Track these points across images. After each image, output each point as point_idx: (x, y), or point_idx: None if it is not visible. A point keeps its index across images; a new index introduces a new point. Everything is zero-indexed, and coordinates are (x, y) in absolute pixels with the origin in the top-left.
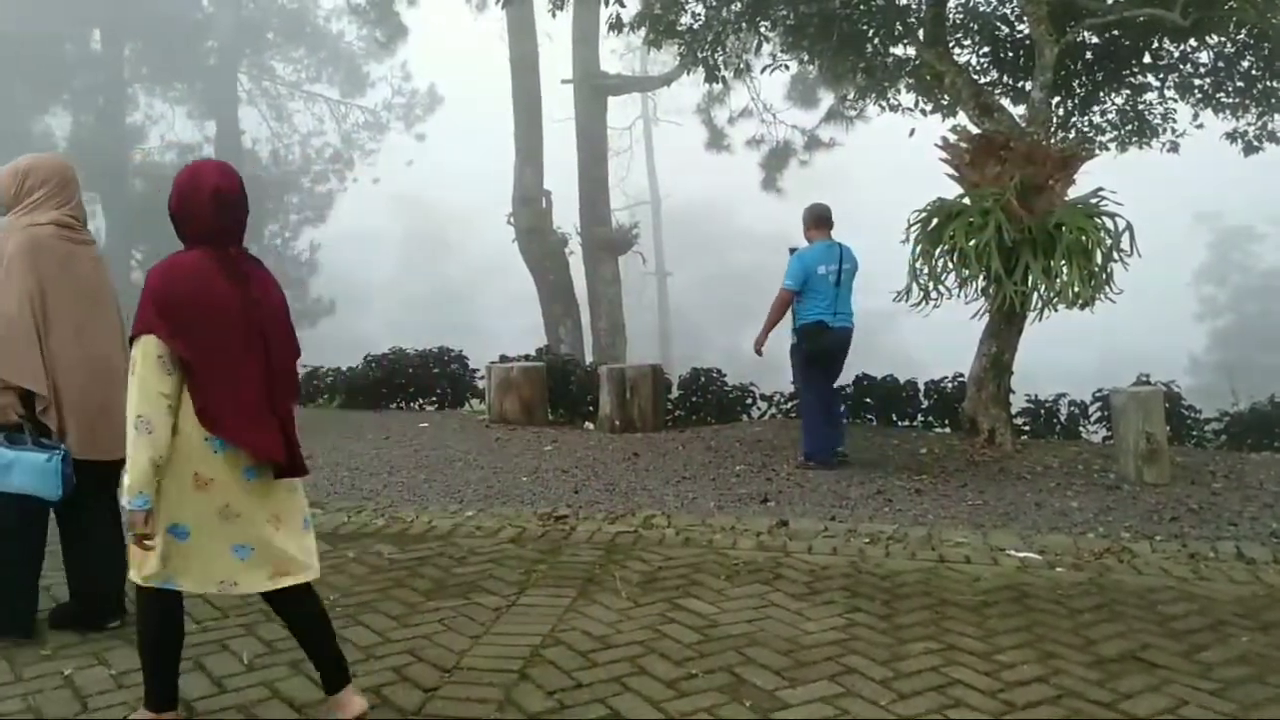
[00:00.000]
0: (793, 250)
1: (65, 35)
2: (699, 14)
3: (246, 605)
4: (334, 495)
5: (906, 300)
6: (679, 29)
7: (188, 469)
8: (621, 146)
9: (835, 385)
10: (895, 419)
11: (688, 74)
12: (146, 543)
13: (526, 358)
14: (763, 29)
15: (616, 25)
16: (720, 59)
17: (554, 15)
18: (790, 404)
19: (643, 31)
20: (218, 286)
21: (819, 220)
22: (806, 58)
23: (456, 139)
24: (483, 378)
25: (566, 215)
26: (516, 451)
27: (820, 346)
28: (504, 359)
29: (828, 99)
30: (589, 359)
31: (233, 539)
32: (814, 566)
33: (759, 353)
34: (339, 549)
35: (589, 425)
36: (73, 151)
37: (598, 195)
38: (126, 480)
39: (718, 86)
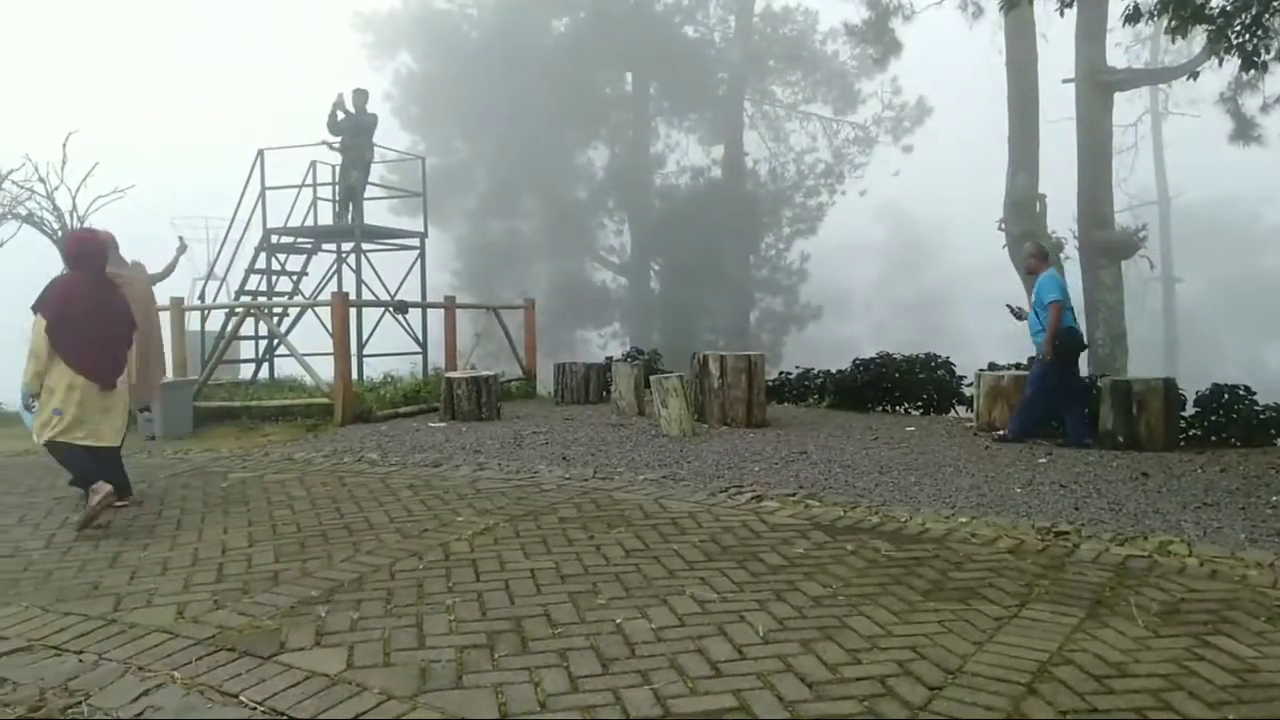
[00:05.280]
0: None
1: (605, 80)
2: None
3: (758, 582)
4: (829, 490)
5: None
6: (1208, 12)
7: (66, 380)
8: (1124, 144)
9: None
10: None
11: (1218, 62)
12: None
13: (1017, 366)
14: None
15: (1133, 16)
16: (1259, 41)
17: (1061, 13)
18: None
19: (1158, 21)
20: (85, 292)
21: (1045, 255)
22: None
23: (943, 148)
24: (970, 384)
25: (1060, 219)
26: (1008, 461)
27: (1076, 347)
28: (993, 367)
29: None
30: (1084, 370)
31: (80, 417)
32: None
33: (1046, 361)
34: (838, 540)
35: (1086, 440)
36: (607, 179)
37: (1099, 196)
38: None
39: (1251, 72)
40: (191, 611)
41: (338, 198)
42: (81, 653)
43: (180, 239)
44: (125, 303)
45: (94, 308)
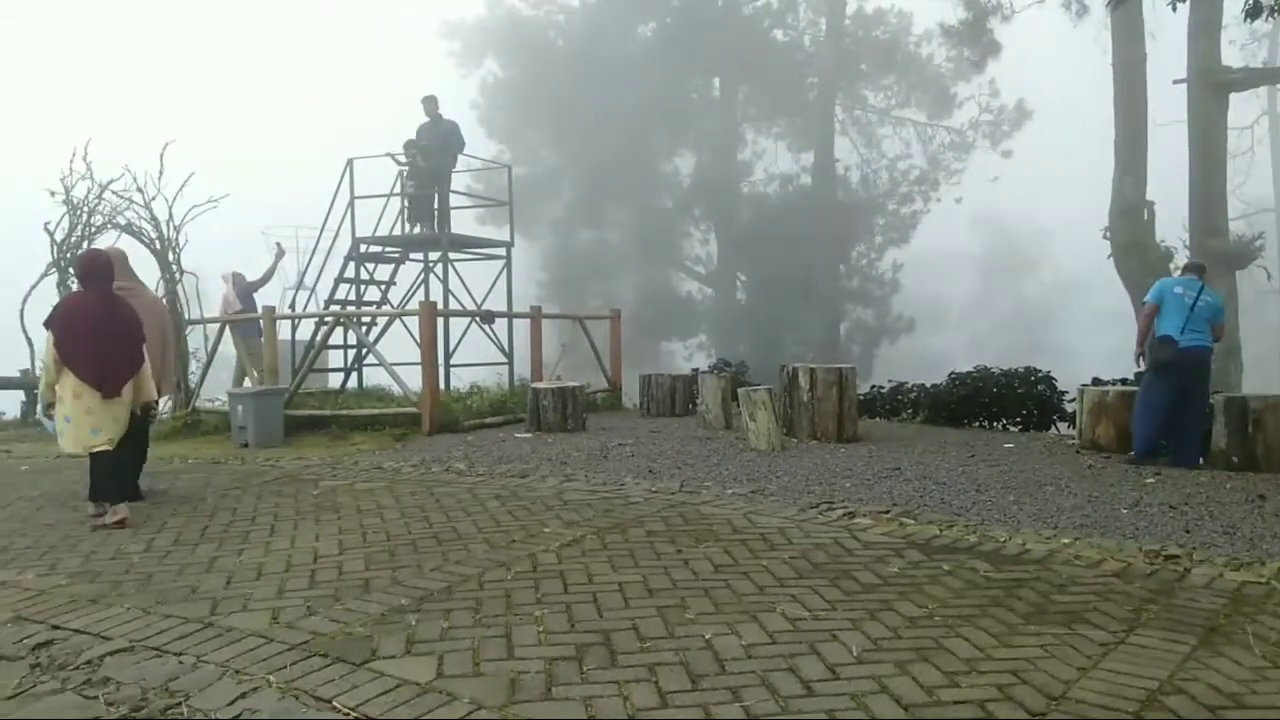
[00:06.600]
0: None
1: (692, 86)
2: None
3: (851, 600)
4: (924, 507)
5: None
6: None
7: (73, 390)
8: (1240, 148)
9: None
10: None
11: None
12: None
13: (1122, 381)
14: None
15: (1254, 11)
16: None
17: (1174, 8)
18: None
19: (1279, 16)
20: (90, 308)
21: (1189, 268)
22: None
23: (1044, 154)
24: (1072, 400)
25: (1170, 228)
26: (1112, 481)
27: (1166, 359)
28: (1097, 382)
29: None
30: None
31: (91, 424)
32: None
33: (1138, 364)
34: (934, 560)
35: (1188, 463)
36: (693, 187)
37: (1212, 204)
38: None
39: None
40: (286, 617)
41: (406, 207)
42: (181, 654)
43: (278, 245)
44: (133, 316)
45: (98, 321)
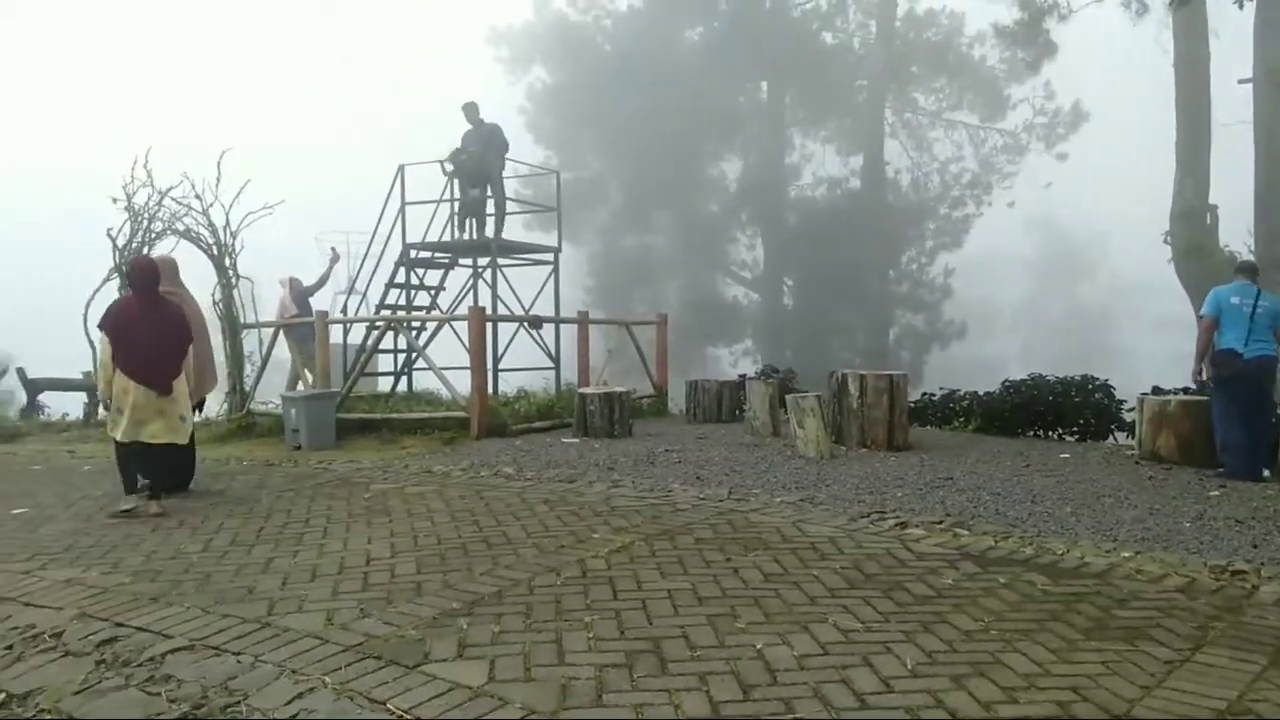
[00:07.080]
0: None
1: (739, 89)
2: None
3: (904, 612)
4: (978, 518)
5: None
6: None
7: (121, 385)
8: None
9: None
10: None
11: None
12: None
13: (1185, 390)
14: None
15: None
16: None
17: (1240, 6)
18: None
19: None
20: (138, 310)
21: (1240, 270)
22: None
23: (1100, 156)
24: (1131, 409)
25: (1235, 232)
26: (1175, 493)
27: (1230, 372)
28: (1157, 390)
29: None
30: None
31: (136, 418)
32: None
33: (1195, 382)
34: (989, 572)
35: (1266, 472)
36: (740, 191)
37: (1279, 206)
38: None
39: None
40: (340, 618)
41: (456, 212)
42: (240, 654)
43: (333, 249)
44: (179, 317)
45: (147, 324)
